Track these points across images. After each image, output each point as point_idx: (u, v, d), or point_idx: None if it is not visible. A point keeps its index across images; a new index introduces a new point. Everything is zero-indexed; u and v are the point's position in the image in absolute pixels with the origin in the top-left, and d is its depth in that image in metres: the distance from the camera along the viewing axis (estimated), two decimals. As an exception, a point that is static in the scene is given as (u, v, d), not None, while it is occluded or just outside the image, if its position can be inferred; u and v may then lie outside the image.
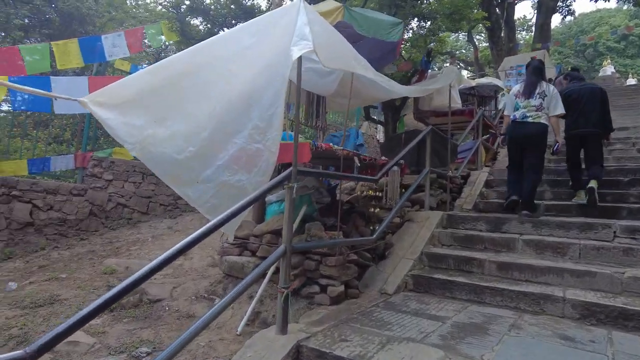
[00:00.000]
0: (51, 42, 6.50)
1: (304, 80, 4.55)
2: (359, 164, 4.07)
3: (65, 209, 6.81)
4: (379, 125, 11.16)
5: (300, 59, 2.93)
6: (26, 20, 13.47)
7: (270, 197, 4.65)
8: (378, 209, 4.71)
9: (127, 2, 20.21)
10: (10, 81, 5.18)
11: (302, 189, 4.71)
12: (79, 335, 3.35)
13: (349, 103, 4.62)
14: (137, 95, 3.43)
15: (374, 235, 3.96)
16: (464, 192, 6.54)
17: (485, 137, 8.17)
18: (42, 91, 4.17)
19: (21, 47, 6.07)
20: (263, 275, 3.68)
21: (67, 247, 6.50)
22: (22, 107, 6.43)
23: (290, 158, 3.33)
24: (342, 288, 3.62)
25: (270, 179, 3.09)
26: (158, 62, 3.54)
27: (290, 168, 2.90)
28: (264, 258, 4.02)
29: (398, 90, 4.97)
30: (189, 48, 3.45)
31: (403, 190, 5.46)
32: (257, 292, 3.68)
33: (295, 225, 3.96)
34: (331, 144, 5.99)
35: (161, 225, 7.67)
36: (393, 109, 8.88)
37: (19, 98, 6.19)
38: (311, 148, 3.48)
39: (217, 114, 3.29)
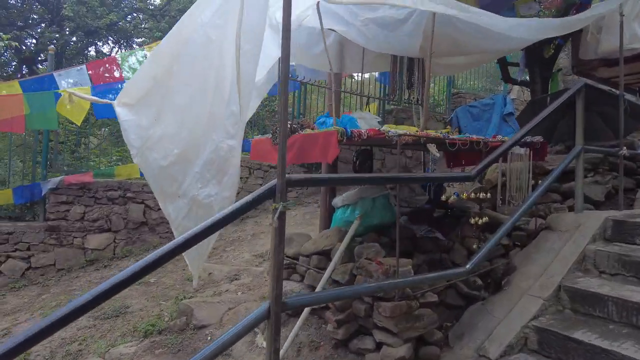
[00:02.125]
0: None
1: (368, 38, 3.29)
2: (437, 154, 2.64)
3: (174, 208, 7.00)
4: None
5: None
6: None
7: (335, 201, 3.57)
8: (484, 218, 3.13)
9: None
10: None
11: (371, 189, 3.50)
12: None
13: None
14: (146, 88, 2.81)
15: (468, 266, 2.51)
16: (655, 178, 4.23)
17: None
18: (95, 98, 3.97)
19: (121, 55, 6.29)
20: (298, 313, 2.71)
21: (175, 246, 6.64)
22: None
23: (316, 155, 2.24)
24: (404, 350, 2.36)
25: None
26: (162, 40, 2.84)
27: (273, 181, 1.81)
28: (312, 288, 3.02)
29: (523, 32, 3.22)
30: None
31: (539, 181, 3.67)
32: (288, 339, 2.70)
33: (343, 246, 2.82)
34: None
35: (266, 221, 7.33)
36: (541, 63, 6.56)
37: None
38: (341, 138, 2.27)
39: (198, 102, 2.40)
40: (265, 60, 2.84)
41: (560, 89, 6.91)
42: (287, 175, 1.85)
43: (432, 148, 2.58)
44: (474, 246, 3.21)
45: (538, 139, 3.71)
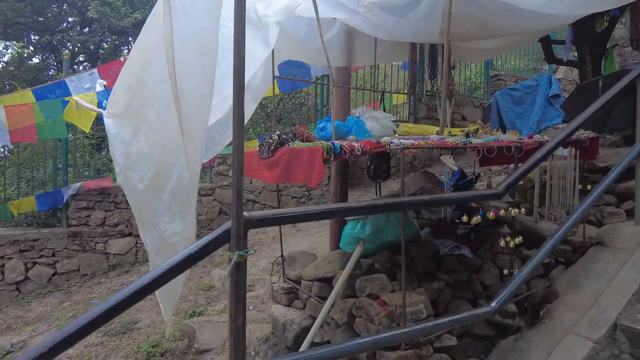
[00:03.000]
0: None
1: (376, 25, 2.82)
2: (454, 168, 2.14)
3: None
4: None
5: None
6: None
7: (346, 212, 3.14)
8: (518, 239, 2.58)
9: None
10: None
11: (392, 199, 3.05)
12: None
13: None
14: (125, 99, 2.53)
15: (494, 304, 2.02)
16: None
17: None
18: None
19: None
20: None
21: (195, 250, 6.49)
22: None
23: (301, 176, 1.86)
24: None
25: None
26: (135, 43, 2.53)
27: (228, 224, 1.45)
28: (314, 318, 2.65)
29: (562, 9, 2.61)
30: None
31: (587, 186, 3.06)
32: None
33: (343, 277, 2.41)
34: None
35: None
36: (592, 38, 5.71)
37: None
38: (327, 155, 1.84)
39: (166, 119, 2.05)
40: (250, 62, 2.45)
41: (616, 69, 6.01)
42: (246, 215, 1.47)
43: (448, 161, 2.10)
44: (506, 271, 2.70)
45: (587, 135, 3.09)
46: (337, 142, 1.92)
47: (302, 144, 2.07)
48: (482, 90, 10.02)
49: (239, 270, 1.44)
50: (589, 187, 3.08)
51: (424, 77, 3.78)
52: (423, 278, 2.92)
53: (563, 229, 2.30)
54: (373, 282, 2.32)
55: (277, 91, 5.56)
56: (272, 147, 2.30)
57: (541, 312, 2.60)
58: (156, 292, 2.11)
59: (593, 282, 2.59)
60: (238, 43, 1.49)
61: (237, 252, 1.41)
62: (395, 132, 3.31)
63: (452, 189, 3.62)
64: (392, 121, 3.23)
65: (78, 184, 6.14)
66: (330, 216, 1.60)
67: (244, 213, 1.49)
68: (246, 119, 3.10)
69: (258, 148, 2.44)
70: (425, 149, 2.13)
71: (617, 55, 7.46)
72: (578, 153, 3.00)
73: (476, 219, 2.30)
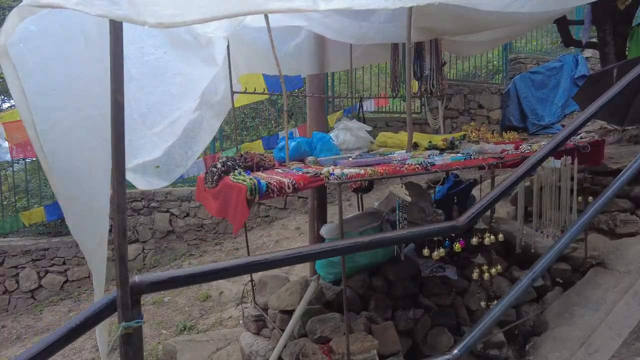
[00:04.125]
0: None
1: (338, 30, 2.57)
2: (407, 199, 1.86)
3: (200, 214, 6.82)
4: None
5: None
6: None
7: (322, 231, 2.93)
8: (497, 268, 2.27)
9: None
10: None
11: (367, 217, 2.83)
12: None
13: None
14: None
15: (455, 352, 1.76)
16: None
17: None
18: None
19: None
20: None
21: (200, 255, 6.49)
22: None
23: (231, 215, 1.70)
24: None
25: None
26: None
27: (110, 295, 1.29)
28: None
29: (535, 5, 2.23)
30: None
31: (589, 198, 2.71)
32: None
33: (297, 313, 2.22)
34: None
35: (293, 223, 6.91)
36: (614, 16, 5.14)
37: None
38: (250, 196, 1.64)
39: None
40: (191, 85, 2.28)
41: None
42: (135, 280, 1.31)
43: (400, 191, 1.83)
44: (483, 303, 2.43)
45: (588, 139, 2.73)
46: (263, 180, 1.71)
47: (238, 177, 1.88)
48: (501, 74, 9.41)
49: (129, 344, 1.29)
50: (590, 198, 2.73)
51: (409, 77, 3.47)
52: (401, 303, 2.69)
53: (545, 261, 2.00)
54: (325, 324, 2.12)
55: (267, 94, 5.37)
56: (215, 177, 2.13)
57: (527, 347, 2.33)
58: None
59: (588, 312, 2.28)
60: (115, 79, 1.30)
61: (122, 324, 1.25)
62: (372, 143, 3.06)
63: (444, 197, 3.34)
64: (367, 131, 2.97)
65: (83, 194, 6.23)
66: (240, 272, 1.40)
67: (136, 277, 1.32)
68: (210, 137, 2.94)
69: (204, 175, 2.27)
70: (373, 179, 1.88)
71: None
72: (578, 159, 2.65)
73: (439, 252, 2.04)
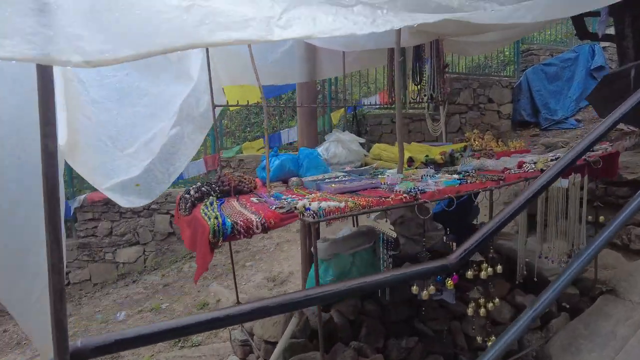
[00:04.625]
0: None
1: (324, 38, 2.39)
2: (392, 235, 1.67)
3: (201, 216, 6.72)
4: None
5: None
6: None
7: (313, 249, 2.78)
8: (494, 302, 2.07)
9: None
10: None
11: (360, 237, 2.66)
12: None
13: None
14: None
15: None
16: None
17: None
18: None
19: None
20: None
21: (201, 257, 6.40)
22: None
23: (199, 253, 1.56)
24: None
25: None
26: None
27: None
28: (263, 381, 2.36)
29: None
30: None
31: (599, 217, 2.48)
32: None
33: (279, 348, 2.08)
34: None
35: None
36: (634, 7, 4.81)
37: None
38: (213, 239, 1.48)
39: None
40: (166, 102, 2.12)
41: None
42: (77, 344, 1.17)
43: (384, 226, 1.65)
44: (479, 338, 2.25)
45: (599, 153, 2.50)
46: (230, 218, 1.55)
47: (207, 211, 1.71)
48: (512, 66, 9.03)
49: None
50: (601, 218, 2.51)
51: (407, 83, 3.26)
52: (396, 329, 2.54)
53: (545, 299, 1.81)
54: (304, 365, 1.98)
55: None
56: (187, 205, 1.97)
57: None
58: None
59: (595, 349, 2.09)
60: (45, 122, 1.14)
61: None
62: (365, 157, 2.87)
63: (444, 210, 3.15)
64: (361, 144, 2.79)
65: (82, 196, 6.17)
66: (197, 330, 1.26)
67: (78, 342, 1.18)
68: (194, 151, 2.79)
69: (179, 199, 2.12)
70: (354, 215, 1.70)
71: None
72: (589, 174, 2.43)
73: (429, 290, 1.86)
